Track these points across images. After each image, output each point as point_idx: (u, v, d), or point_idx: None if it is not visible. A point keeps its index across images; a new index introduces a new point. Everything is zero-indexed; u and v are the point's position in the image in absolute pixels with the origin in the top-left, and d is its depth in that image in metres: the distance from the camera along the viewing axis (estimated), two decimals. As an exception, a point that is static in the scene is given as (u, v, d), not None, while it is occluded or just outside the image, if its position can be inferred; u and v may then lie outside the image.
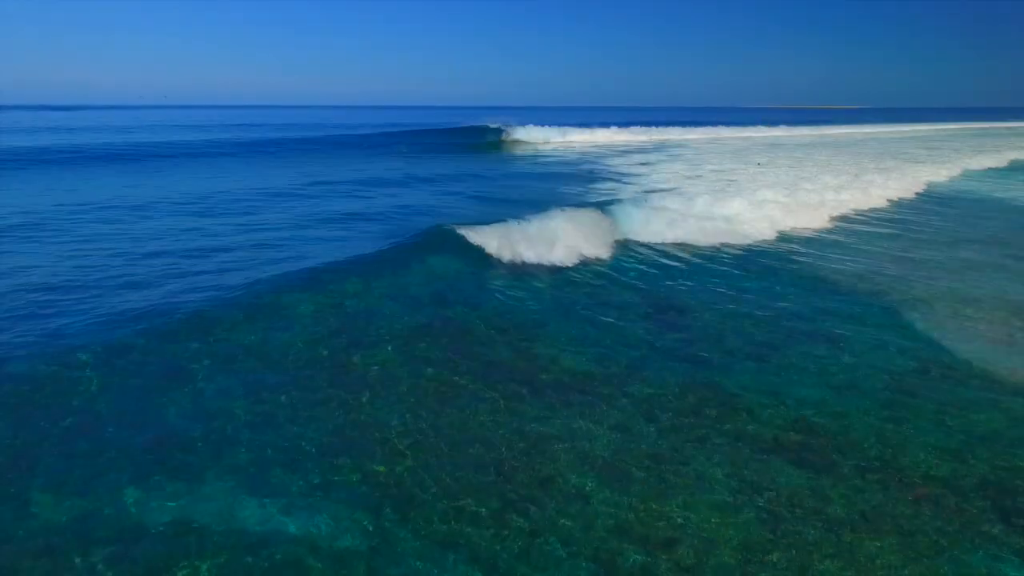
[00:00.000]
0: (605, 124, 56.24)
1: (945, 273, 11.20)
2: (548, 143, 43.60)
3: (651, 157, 33.57)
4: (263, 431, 5.59)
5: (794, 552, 4.41)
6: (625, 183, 21.94)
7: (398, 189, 19.85)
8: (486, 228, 11.43)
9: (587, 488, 5.04)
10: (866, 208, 17.95)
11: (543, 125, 47.37)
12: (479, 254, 10.85)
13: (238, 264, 9.88)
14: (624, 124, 56.56)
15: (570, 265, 11.01)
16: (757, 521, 4.70)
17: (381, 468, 5.17)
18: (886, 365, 7.26)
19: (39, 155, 26.18)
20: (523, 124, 45.68)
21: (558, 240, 11.41)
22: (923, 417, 6.14)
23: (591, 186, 21.07)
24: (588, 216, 13.03)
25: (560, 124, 48.95)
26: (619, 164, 29.27)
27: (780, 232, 14.25)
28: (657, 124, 59.09)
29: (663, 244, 12.85)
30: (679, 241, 13.03)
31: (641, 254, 12.16)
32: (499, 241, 11.07)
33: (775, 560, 4.34)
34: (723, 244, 13.07)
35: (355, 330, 7.72)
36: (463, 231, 11.27)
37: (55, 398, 5.84)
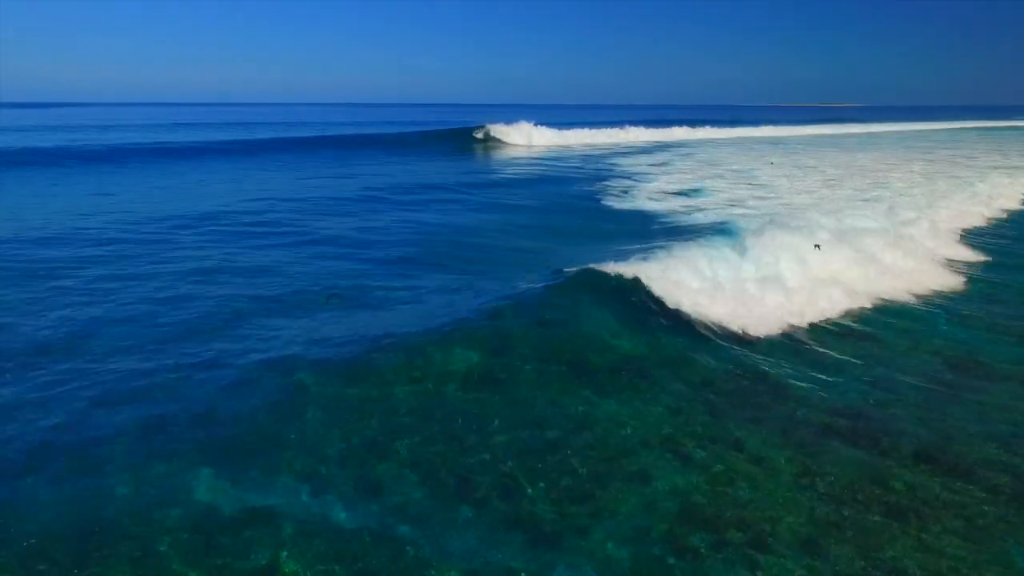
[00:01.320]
0: (597, 124, 55.95)
1: None
2: (546, 144, 43.04)
3: (658, 157, 33.37)
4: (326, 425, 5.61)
5: (861, 535, 4.45)
6: (652, 183, 21.81)
7: (421, 200, 18.14)
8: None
9: (648, 469, 5.09)
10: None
11: (536, 125, 46.44)
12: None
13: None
14: (616, 123, 56.24)
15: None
16: (821, 504, 4.75)
17: (433, 453, 5.16)
18: (920, 362, 7.32)
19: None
20: (514, 123, 44.93)
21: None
22: (965, 410, 6.19)
23: (610, 187, 20.93)
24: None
25: (550, 123, 48.49)
26: (630, 164, 29.02)
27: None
28: (649, 123, 58.62)
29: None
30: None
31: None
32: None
33: (843, 542, 4.38)
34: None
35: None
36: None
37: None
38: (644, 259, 8.99)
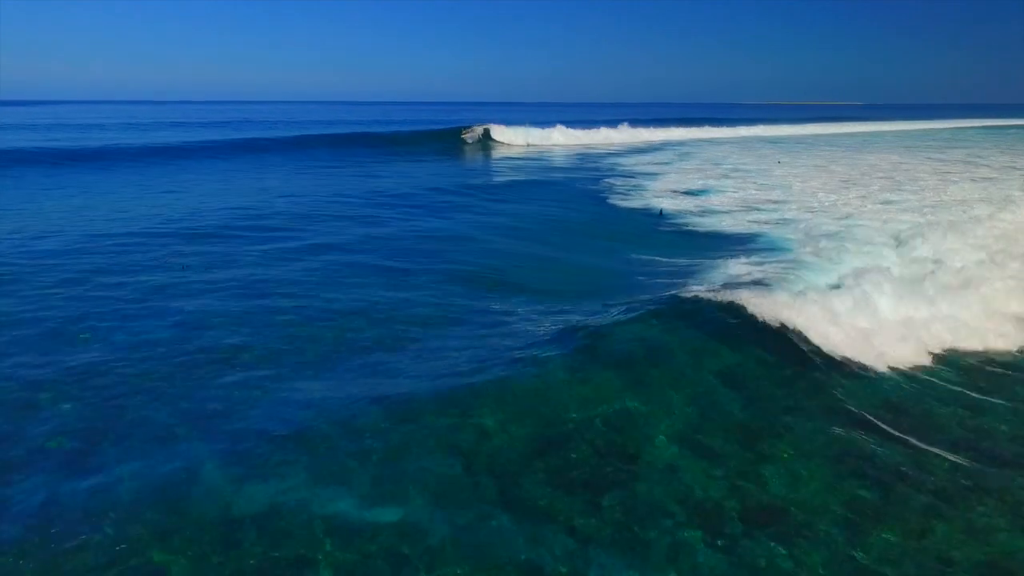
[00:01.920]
0: (595, 122, 55.04)
1: None
2: (545, 143, 42.39)
3: (659, 157, 32.97)
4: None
5: (906, 520, 4.42)
6: (656, 183, 21.53)
7: (424, 202, 17.29)
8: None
9: (676, 460, 5.01)
10: None
11: (529, 123, 45.67)
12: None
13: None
14: (614, 122, 55.46)
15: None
16: (863, 489, 4.72)
17: (459, 449, 5.02)
18: (950, 360, 7.25)
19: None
20: (507, 122, 44.09)
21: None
22: (999, 408, 6.17)
23: (615, 186, 20.66)
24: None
25: (548, 122, 47.65)
26: (632, 164, 28.76)
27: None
28: (647, 123, 57.72)
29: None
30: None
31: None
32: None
33: (887, 527, 4.34)
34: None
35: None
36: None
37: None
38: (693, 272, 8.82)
